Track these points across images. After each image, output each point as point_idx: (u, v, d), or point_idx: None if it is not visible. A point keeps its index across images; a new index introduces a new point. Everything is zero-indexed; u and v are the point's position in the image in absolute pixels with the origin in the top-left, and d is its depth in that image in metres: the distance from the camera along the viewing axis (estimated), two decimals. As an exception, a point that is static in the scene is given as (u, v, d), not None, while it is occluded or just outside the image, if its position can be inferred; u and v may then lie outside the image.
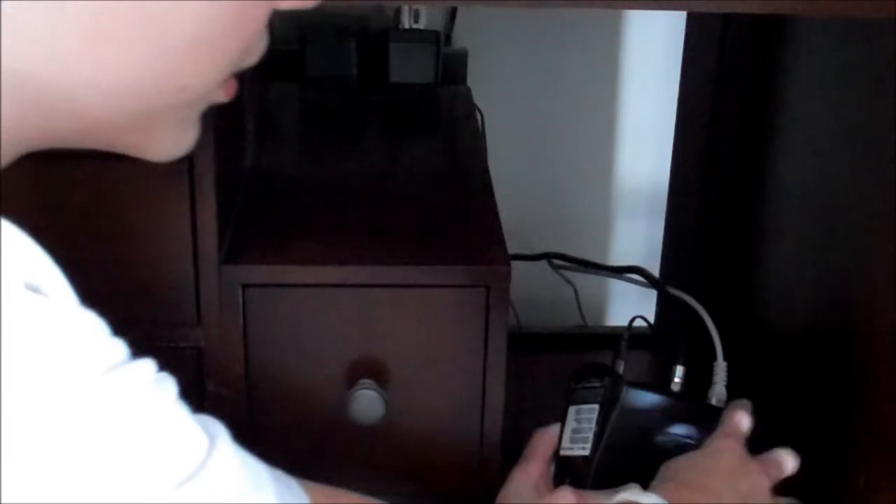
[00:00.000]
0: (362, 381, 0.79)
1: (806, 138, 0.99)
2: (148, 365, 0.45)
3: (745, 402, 0.87)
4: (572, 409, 0.87)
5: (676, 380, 0.90)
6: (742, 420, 0.84)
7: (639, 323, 1.06)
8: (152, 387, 0.45)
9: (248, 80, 0.94)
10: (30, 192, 0.73)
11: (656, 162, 1.30)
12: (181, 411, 0.46)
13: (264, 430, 0.81)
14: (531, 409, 1.03)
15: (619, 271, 1.13)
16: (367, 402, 0.78)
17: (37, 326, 0.41)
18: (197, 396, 0.79)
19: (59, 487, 0.41)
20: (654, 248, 1.33)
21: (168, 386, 0.46)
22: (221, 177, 0.76)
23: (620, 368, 0.90)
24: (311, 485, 0.58)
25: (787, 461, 0.83)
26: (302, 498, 0.55)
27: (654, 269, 1.32)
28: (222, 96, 0.53)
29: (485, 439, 0.83)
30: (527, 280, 0.96)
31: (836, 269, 0.90)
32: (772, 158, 1.06)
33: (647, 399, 0.85)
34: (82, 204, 0.74)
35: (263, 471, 0.51)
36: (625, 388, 0.84)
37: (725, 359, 0.92)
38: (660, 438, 0.84)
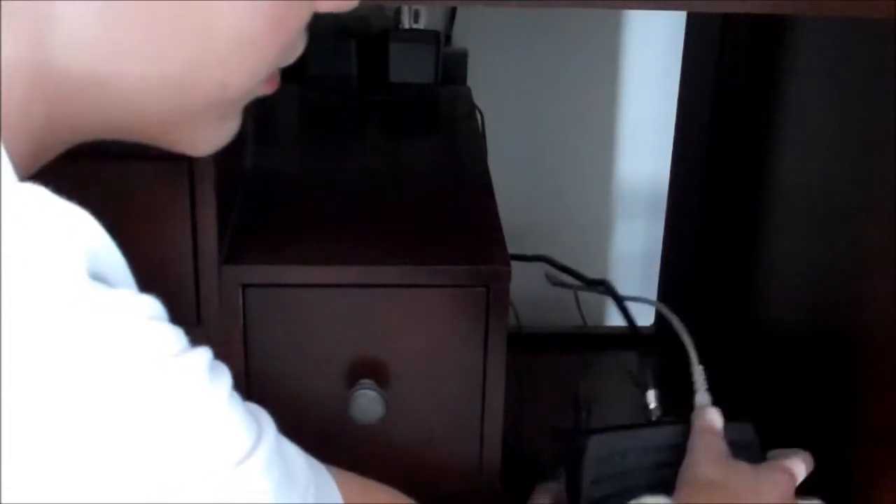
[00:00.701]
0: (362, 381, 0.79)
1: (806, 138, 0.99)
2: (204, 353, 0.46)
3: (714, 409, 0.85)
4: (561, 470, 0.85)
5: (651, 406, 0.88)
6: (712, 416, 0.81)
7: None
8: (207, 377, 0.46)
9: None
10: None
11: (656, 162, 1.30)
12: (236, 399, 0.48)
13: (264, 430, 0.81)
14: (531, 409, 1.03)
15: (590, 283, 1.13)
16: (367, 402, 0.78)
17: (98, 318, 0.42)
18: (197, 396, 0.79)
19: (105, 473, 0.42)
20: (654, 248, 1.33)
21: (223, 375, 0.47)
22: (221, 177, 0.76)
23: (582, 421, 0.88)
24: (343, 475, 0.58)
25: (800, 465, 0.81)
26: (335, 497, 0.55)
27: (654, 270, 1.32)
28: (266, 90, 0.54)
29: (485, 439, 0.83)
30: (527, 280, 0.96)
31: (836, 268, 0.90)
32: (772, 158, 1.06)
33: (616, 441, 0.82)
34: (82, 204, 0.73)
35: (303, 467, 0.52)
36: (589, 439, 0.81)
37: (704, 362, 0.88)
38: (646, 475, 0.81)
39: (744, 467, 0.78)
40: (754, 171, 1.10)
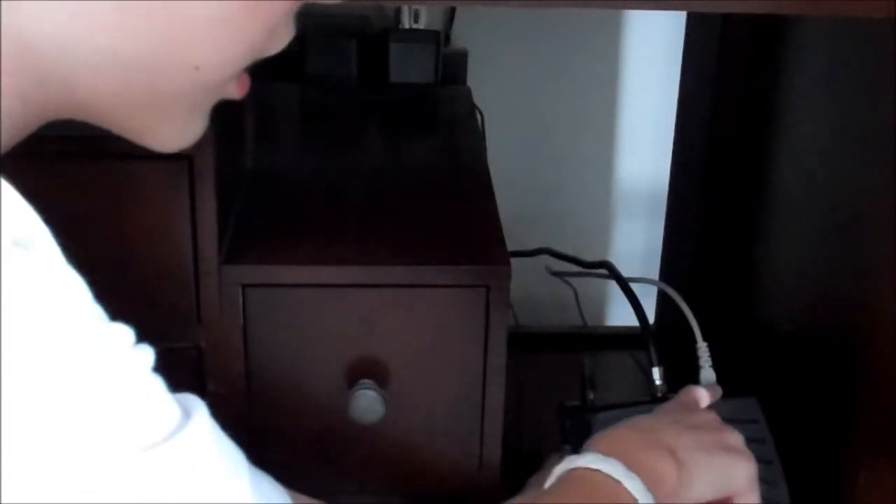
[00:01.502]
0: (362, 381, 0.79)
1: (806, 138, 0.99)
2: (126, 332, 0.45)
3: (715, 387, 0.83)
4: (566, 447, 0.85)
5: (657, 383, 0.88)
6: (698, 393, 0.79)
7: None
8: (128, 352, 0.44)
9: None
10: (30, 193, 0.73)
11: (656, 162, 1.31)
12: (155, 381, 0.45)
13: (264, 430, 0.81)
14: (531, 409, 1.03)
15: (588, 266, 1.11)
16: (367, 402, 0.78)
17: (20, 281, 0.41)
18: (197, 396, 0.78)
19: (20, 442, 0.40)
20: (654, 248, 1.33)
21: (144, 354, 0.45)
22: (221, 177, 0.76)
23: (591, 396, 0.88)
24: (299, 496, 0.57)
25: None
26: (284, 497, 0.54)
27: (655, 269, 1.32)
28: (235, 92, 0.52)
29: (485, 439, 0.83)
30: (527, 279, 0.96)
31: (836, 268, 0.90)
32: (772, 158, 1.06)
33: (622, 418, 0.80)
34: (82, 204, 0.74)
35: (242, 459, 0.50)
36: (595, 416, 0.81)
37: (708, 341, 0.88)
38: None
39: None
40: (754, 171, 1.10)
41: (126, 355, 0.44)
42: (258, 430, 0.81)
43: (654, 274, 1.31)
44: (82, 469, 0.41)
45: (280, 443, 0.82)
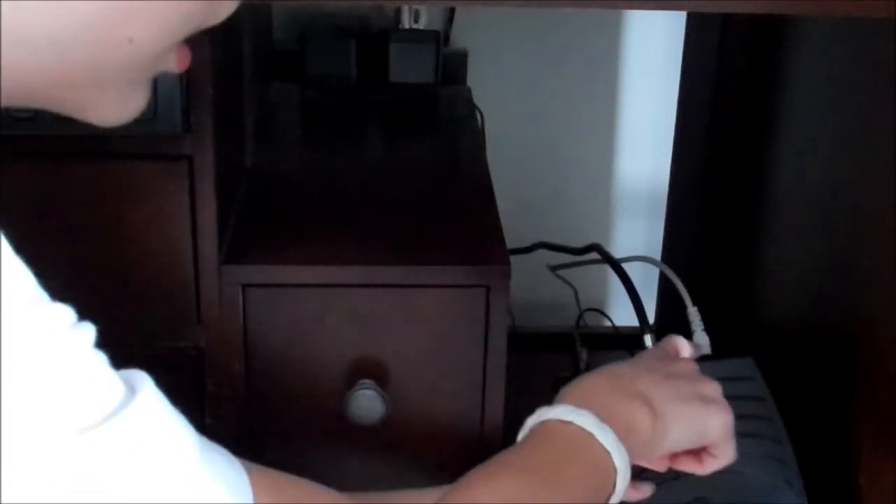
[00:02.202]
0: (362, 381, 0.79)
1: (805, 138, 0.99)
2: (65, 310, 0.44)
3: (701, 345, 0.81)
4: None
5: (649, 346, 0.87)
6: (679, 343, 0.76)
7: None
8: (67, 330, 0.43)
9: (248, 80, 0.94)
10: (30, 192, 0.73)
11: (656, 162, 1.31)
12: (96, 359, 0.44)
13: (264, 430, 0.81)
14: (531, 409, 1.03)
15: (579, 252, 1.10)
16: (367, 402, 0.78)
17: None
18: (197, 396, 0.79)
19: None
20: (655, 247, 1.33)
21: (85, 333, 0.44)
22: (221, 177, 0.76)
23: (582, 366, 0.88)
24: (264, 469, 0.54)
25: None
26: (237, 470, 0.52)
27: (655, 269, 1.32)
28: (174, 66, 0.50)
29: (485, 439, 0.83)
30: (526, 279, 0.96)
31: (836, 268, 0.90)
32: (771, 158, 1.06)
33: None
34: (82, 204, 0.74)
35: (192, 433, 0.48)
36: None
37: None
38: None
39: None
40: (754, 171, 1.10)
41: (65, 334, 0.43)
42: (258, 430, 0.81)
43: (654, 273, 1.31)
44: (17, 453, 0.40)
45: (280, 443, 0.82)
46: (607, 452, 0.62)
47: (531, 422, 0.65)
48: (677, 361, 0.73)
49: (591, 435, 0.62)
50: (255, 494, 0.52)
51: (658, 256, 1.31)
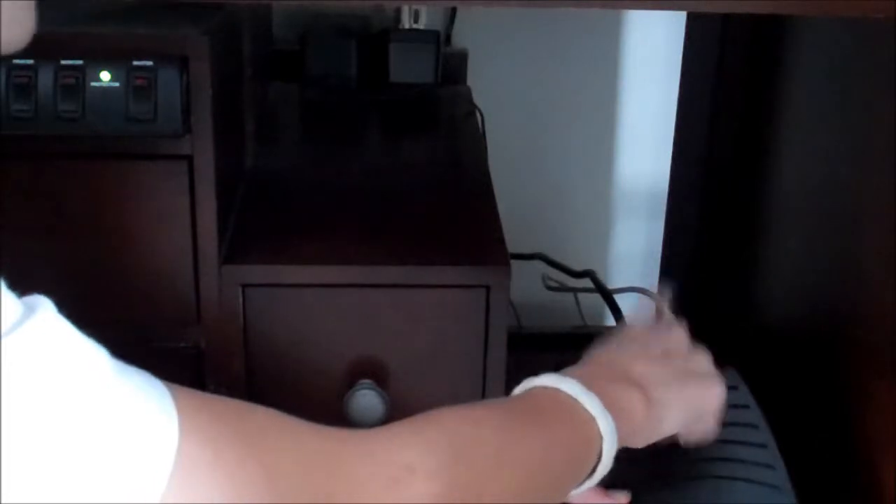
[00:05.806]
0: (362, 381, 0.79)
1: (805, 138, 0.99)
2: None
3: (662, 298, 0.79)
4: None
5: None
6: (656, 310, 0.76)
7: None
8: None
9: (248, 80, 0.94)
10: (30, 192, 0.73)
11: (656, 162, 1.31)
12: None
13: (264, 430, 0.81)
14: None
15: (576, 275, 1.12)
16: (367, 402, 0.78)
17: None
18: (197, 396, 0.79)
19: None
20: (655, 248, 1.33)
21: None
22: (221, 177, 0.76)
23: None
24: (190, 390, 0.51)
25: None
26: (163, 394, 0.48)
27: (654, 269, 1.32)
28: None
29: (485, 439, 0.83)
30: (526, 280, 0.96)
31: (836, 268, 0.90)
32: (771, 158, 1.06)
33: None
34: (82, 204, 0.74)
35: (101, 350, 0.45)
36: None
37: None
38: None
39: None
40: (754, 171, 1.10)
41: None
42: (258, 430, 0.81)
43: (654, 274, 1.31)
44: None
45: (280, 443, 0.82)
46: (593, 418, 0.60)
47: (518, 390, 0.64)
48: (665, 335, 0.72)
49: (576, 400, 0.61)
50: (180, 410, 0.48)
51: (658, 256, 1.31)
